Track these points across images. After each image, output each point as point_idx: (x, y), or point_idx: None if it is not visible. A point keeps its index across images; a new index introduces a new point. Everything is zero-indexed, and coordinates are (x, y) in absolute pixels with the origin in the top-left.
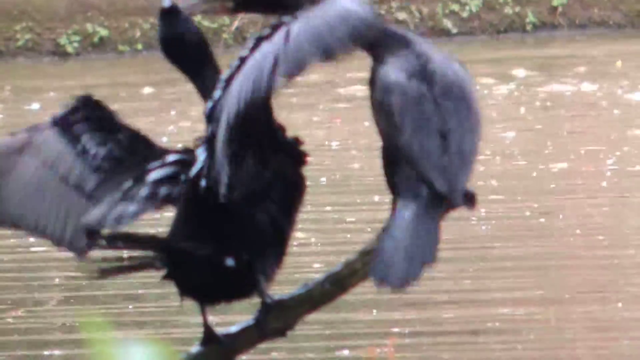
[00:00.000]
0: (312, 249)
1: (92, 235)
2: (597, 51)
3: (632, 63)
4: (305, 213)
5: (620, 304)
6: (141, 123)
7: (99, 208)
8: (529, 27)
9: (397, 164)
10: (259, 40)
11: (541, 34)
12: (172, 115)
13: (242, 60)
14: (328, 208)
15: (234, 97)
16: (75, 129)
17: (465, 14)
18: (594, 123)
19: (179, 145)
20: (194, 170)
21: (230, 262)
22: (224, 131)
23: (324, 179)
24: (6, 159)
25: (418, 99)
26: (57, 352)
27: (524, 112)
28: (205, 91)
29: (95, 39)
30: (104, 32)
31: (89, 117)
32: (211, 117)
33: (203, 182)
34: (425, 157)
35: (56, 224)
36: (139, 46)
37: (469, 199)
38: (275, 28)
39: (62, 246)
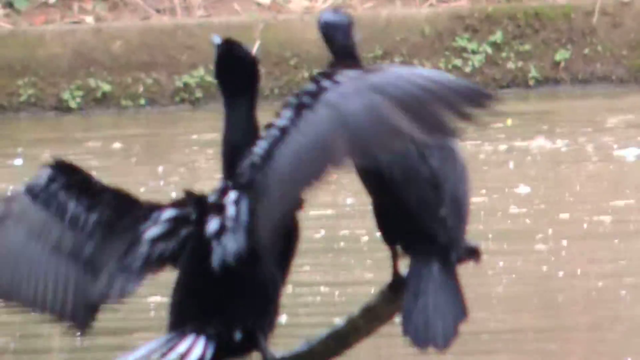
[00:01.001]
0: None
1: (94, 310)
2: (597, 106)
3: (625, 117)
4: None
5: None
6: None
7: (100, 282)
8: (531, 82)
9: (393, 220)
10: (301, 108)
11: (544, 89)
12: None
13: (284, 131)
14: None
15: (289, 180)
16: (58, 196)
17: (468, 69)
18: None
19: (172, 195)
20: (212, 227)
21: (238, 335)
22: (273, 211)
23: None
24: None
25: (404, 152)
26: None
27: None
28: (234, 122)
29: (98, 94)
30: (106, 87)
31: (68, 182)
32: (238, 171)
33: (217, 243)
34: (422, 209)
35: (55, 298)
36: (142, 101)
37: (474, 253)
38: (318, 92)
39: (64, 321)
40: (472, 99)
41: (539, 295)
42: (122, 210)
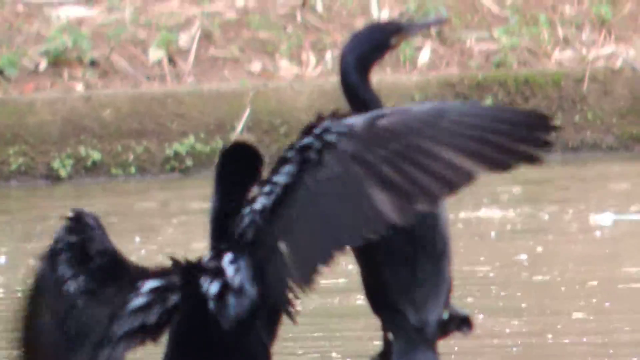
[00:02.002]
0: None
1: None
2: (588, 174)
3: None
4: None
5: None
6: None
7: (85, 353)
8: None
9: (371, 292)
10: (308, 163)
11: None
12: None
13: (291, 187)
14: None
15: (320, 239)
16: (55, 261)
17: None
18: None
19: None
20: (212, 289)
21: None
22: (299, 268)
23: None
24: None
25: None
26: None
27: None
28: (227, 195)
29: (89, 163)
30: (96, 156)
31: (69, 244)
32: (234, 231)
33: (212, 305)
34: (394, 287)
35: None
36: (132, 170)
37: (464, 323)
38: (325, 146)
39: None
40: (534, 125)
41: None
42: (110, 277)
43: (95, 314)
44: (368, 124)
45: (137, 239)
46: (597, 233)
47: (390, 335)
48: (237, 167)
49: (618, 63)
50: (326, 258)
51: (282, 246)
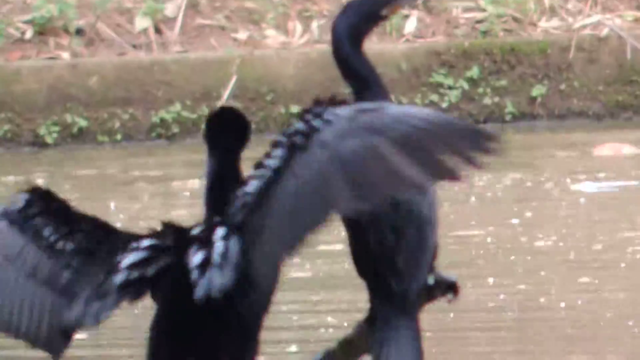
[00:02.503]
0: None
1: (69, 335)
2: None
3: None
4: None
5: None
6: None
7: (75, 307)
8: (508, 118)
9: (358, 258)
10: (293, 148)
11: (520, 124)
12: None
13: (277, 171)
14: None
15: (289, 223)
16: (34, 223)
17: (444, 104)
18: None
19: (146, 228)
20: (195, 259)
21: None
22: (272, 253)
23: None
24: None
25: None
26: None
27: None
28: (219, 165)
29: (75, 130)
30: (83, 123)
31: (45, 209)
32: (229, 210)
33: (198, 275)
34: (379, 255)
35: (30, 324)
36: (118, 137)
37: (451, 288)
38: (310, 132)
39: (38, 346)
40: (476, 140)
41: None
42: (100, 239)
43: (86, 272)
44: (351, 116)
45: (113, 204)
46: (582, 199)
47: (374, 301)
48: (224, 132)
49: (604, 31)
50: (304, 237)
51: (270, 224)
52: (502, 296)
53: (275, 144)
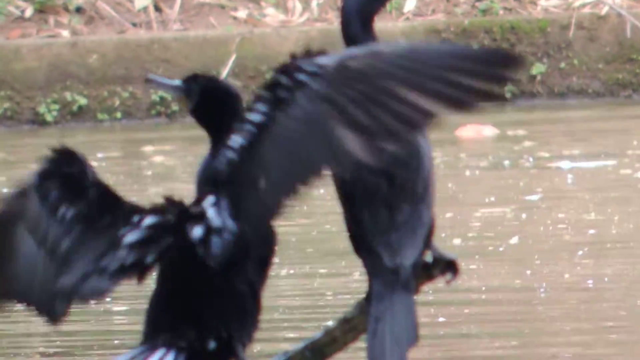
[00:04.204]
0: None
1: (68, 304)
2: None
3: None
4: None
5: None
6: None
7: (72, 277)
8: (507, 95)
9: (353, 234)
10: (280, 103)
11: (521, 102)
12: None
13: (264, 127)
14: None
15: (287, 173)
16: (46, 188)
17: None
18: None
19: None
20: (195, 233)
21: (212, 345)
22: (267, 201)
23: None
24: (5, 230)
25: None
26: None
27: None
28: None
29: (74, 108)
30: (82, 101)
31: (60, 173)
32: (214, 171)
33: (200, 248)
34: (371, 230)
35: (37, 292)
36: (118, 115)
37: (450, 267)
38: (296, 85)
39: (42, 313)
40: (495, 63)
41: None
42: (105, 208)
43: (87, 241)
44: (339, 64)
45: (113, 178)
46: (569, 177)
47: (370, 278)
48: (216, 108)
49: (604, 9)
50: (296, 190)
51: (258, 180)
52: None
53: (257, 99)
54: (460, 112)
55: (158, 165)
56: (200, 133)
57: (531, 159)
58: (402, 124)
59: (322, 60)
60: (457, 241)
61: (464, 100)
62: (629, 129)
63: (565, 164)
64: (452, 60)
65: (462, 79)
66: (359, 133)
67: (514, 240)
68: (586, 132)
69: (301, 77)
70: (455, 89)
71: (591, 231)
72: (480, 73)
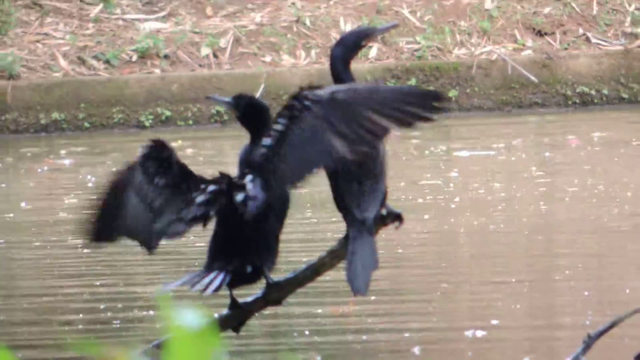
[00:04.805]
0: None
1: (158, 240)
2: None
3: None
4: None
5: None
6: None
7: (162, 223)
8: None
9: (337, 199)
10: (293, 118)
11: (441, 115)
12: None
13: (284, 133)
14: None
15: (299, 164)
16: (147, 164)
17: None
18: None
19: (214, 174)
20: (239, 198)
21: (249, 269)
22: (287, 181)
23: None
24: (120, 191)
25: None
26: None
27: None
28: (255, 141)
29: (163, 118)
30: (168, 113)
31: (155, 156)
32: (253, 161)
33: (243, 208)
34: (348, 197)
35: (139, 231)
36: (190, 122)
37: (398, 218)
38: (302, 108)
39: (142, 245)
40: (428, 98)
41: None
42: (183, 179)
43: (172, 199)
44: (330, 95)
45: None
46: (455, 167)
47: (347, 226)
48: (254, 116)
49: (494, 56)
50: (307, 174)
51: (279, 168)
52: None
53: (279, 116)
54: (406, 128)
55: (214, 154)
56: (242, 133)
57: (444, 149)
58: (370, 135)
59: (320, 92)
60: (405, 198)
61: (408, 121)
62: (510, 133)
63: (464, 153)
64: (401, 96)
65: (408, 107)
66: (344, 141)
67: (455, 202)
68: (481, 133)
69: (307, 102)
70: (403, 114)
71: (481, 191)
72: (419, 104)
